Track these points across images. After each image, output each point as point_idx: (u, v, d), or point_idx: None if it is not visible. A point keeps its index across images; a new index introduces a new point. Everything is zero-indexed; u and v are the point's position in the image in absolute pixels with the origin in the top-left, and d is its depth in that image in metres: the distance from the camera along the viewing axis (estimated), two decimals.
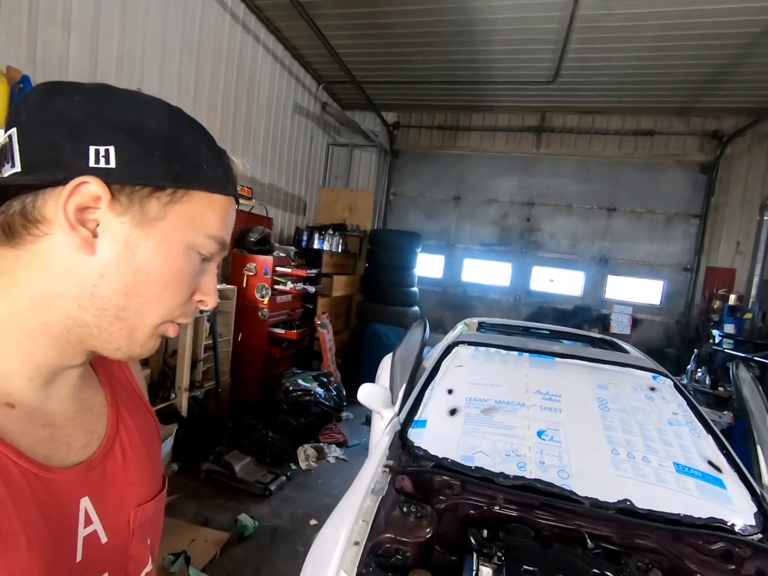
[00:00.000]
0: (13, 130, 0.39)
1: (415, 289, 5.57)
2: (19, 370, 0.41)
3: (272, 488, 2.77)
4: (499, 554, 1.26)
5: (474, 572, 1.21)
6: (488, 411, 1.94)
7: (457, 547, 1.37)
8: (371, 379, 2.69)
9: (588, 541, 1.38)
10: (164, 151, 0.42)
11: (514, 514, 1.48)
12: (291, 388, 3.47)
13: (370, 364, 3.58)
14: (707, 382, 3.90)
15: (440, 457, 1.71)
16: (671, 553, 1.38)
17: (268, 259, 3.79)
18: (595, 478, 1.59)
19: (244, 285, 3.80)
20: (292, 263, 4.09)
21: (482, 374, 2.17)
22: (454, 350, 2.37)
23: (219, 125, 3.73)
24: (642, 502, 1.50)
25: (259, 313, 3.81)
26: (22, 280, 0.40)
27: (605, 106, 5.13)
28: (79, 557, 0.43)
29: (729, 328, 4.45)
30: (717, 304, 4.76)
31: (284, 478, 2.93)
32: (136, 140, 0.40)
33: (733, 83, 4.21)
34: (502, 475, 1.61)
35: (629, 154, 5.21)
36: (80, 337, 0.42)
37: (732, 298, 4.50)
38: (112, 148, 0.39)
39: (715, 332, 4.14)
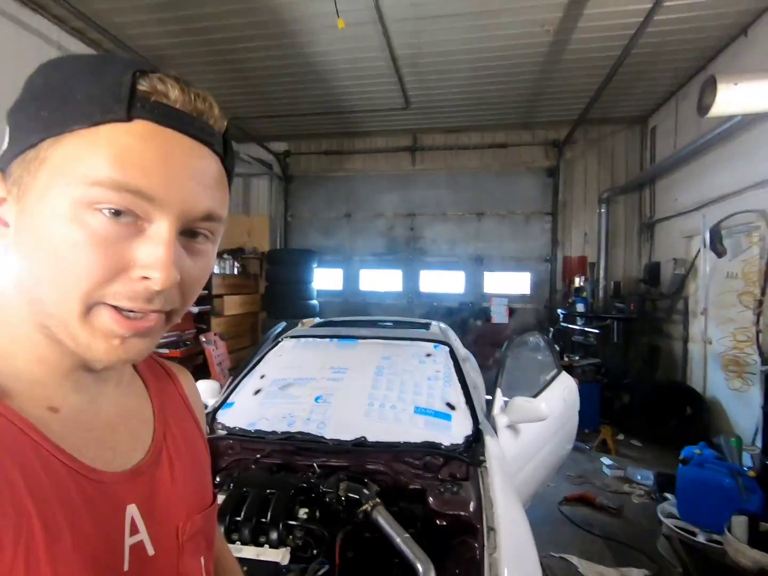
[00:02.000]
0: None
1: (314, 301, 5.98)
2: (45, 376, 0.39)
3: None
4: (230, 485, 1.62)
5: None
6: (285, 387, 2.34)
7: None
8: None
9: (315, 467, 1.78)
10: (36, 103, 0.36)
11: (279, 461, 1.87)
12: None
13: None
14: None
15: (231, 426, 2.08)
16: (393, 471, 1.79)
17: None
18: (345, 425, 2.00)
19: None
20: None
21: (293, 360, 2.58)
22: (280, 344, 2.77)
23: None
24: (375, 438, 1.92)
25: None
26: (5, 285, 0.39)
27: (465, 124, 5.84)
28: (126, 566, 0.40)
29: (580, 307, 5.14)
30: (574, 287, 5.48)
31: None
32: (18, 109, 0.37)
33: (551, 98, 4.99)
34: (272, 432, 2.00)
35: (488, 165, 5.94)
36: (53, 336, 0.37)
37: (577, 281, 5.21)
38: (7, 129, 0.37)
39: (559, 312, 4.79)
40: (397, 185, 6.20)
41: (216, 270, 5.15)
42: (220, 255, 5.43)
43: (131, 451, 0.45)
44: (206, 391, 2.61)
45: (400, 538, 1.29)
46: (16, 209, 0.36)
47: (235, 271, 5.46)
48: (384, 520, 1.36)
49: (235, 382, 2.51)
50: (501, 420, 2.17)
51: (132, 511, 0.41)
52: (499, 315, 5.84)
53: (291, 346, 2.75)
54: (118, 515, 0.40)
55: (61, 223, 0.34)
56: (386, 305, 6.22)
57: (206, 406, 2.61)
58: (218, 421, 2.18)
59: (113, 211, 0.34)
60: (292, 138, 6.40)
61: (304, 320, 3.27)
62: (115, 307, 0.36)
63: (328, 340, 2.74)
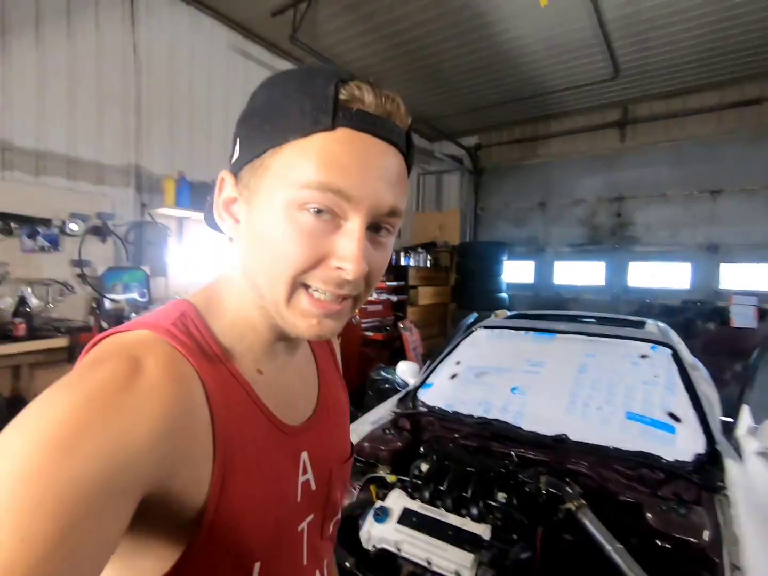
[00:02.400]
0: None
1: (503, 294, 5.87)
2: (257, 344, 0.49)
3: None
4: (433, 456, 1.79)
5: (417, 467, 1.76)
6: (480, 375, 2.41)
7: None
8: None
9: (513, 456, 1.81)
10: (260, 118, 0.43)
11: (475, 444, 1.97)
12: (374, 378, 4.25)
13: None
14: None
15: (431, 405, 2.26)
16: (599, 476, 1.70)
17: None
18: (544, 419, 1.96)
19: None
20: None
21: (487, 349, 2.63)
22: (473, 333, 2.86)
23: None
24: (577, 437, 1.82)
25: (352, 319, 4.74)
26: (232, 272, 0.49)
27: (695, 83, 4.80)
28: (298, 498, 0.51)
29: None
30: None
31: None
32: (246, 122, 0.45)
33: None
34: (469, 416, 2.09)
35: (731, 130, 4.73)
36: (266, 313, 0.47)
37: None
38: (238, 140, 0.45)
39: None
40: (601, 166, 5.54)
41: (411, 262, 5.58)
42: (414, 249, 5.85)
43: (303, 409, 0.55)
44: (407, 371, 2.88)
45: (612, 548, 1.20)
46: (246, 209, 0.44)
47: (428, 264, 5.80)
48: (592, 524, 1.28)
49: (433, 365, 2.69)
50: (749, 445, 1.76)
51: (304, 456, 0.52)
52: (742, 317, 4.64)
53: (485, 336, 2.79)
54: (296, 459, 0.51)
55: (279, 221, 0.41)
56: (585, 301, 5.65)
57: (407, 384, 2.90)
58: (419, 398, 2.39)
59: (317, 209, 0.41)
60: (483, 130, 6.39)
61: (497, 311, 3.26)
62: (310, 293, 0.43)
63: (523, 332, 2.68)
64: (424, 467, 1.75)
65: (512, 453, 1.82)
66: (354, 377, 4.80)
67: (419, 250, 5.78)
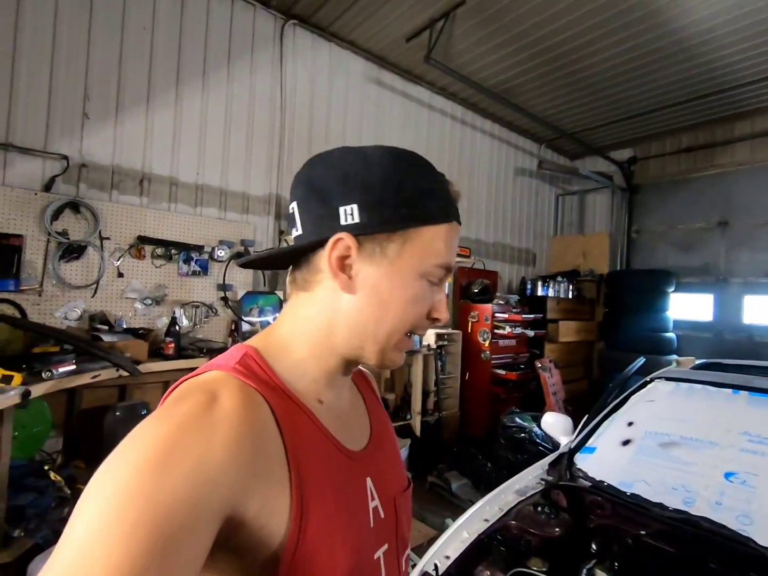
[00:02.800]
0: (294, 204, 0.53)
1: (670, 334, 4.80)
2: (323, 378, 0.53)
3: None
4: (614, 563, 1.31)
5: (587, 570, 1.31)
6: (667, 446, 1.81)
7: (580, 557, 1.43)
8: None
9: None
10: (393, 198, 0.49)
11: (671, 550, 1.42)
12: (507, 424, 3.71)
13: None
14: None
15: (597, 479, 1.74)
16: None
17: (487, 307, 4.29)
18: None
19: (469, 330, 4.39)
20: (512, 310, 4.44)
21: (674, 410, 2.00)
22: (649, 385, 2.23)
23: None
24: None
25: (482, 355, 4.29)
26: (315, 314, 0.53)
27: None
28: (371, 524, 0.52)
29: None
30: None
31: None
32: (370, 193, 0.49)
33: None
34: (660, 505, 1.54)
35: None
36: (353, 354, 0.53)
37: None
38: (355, 206, 0.49)
39: None
40: None
41: (550, 293, 4.93)
42: (553, 277, 5.19)
43: (360, 436, 0.58)
44: (556, 425, 2.35)
45: None
46: (376, 271, 0.51)
47: (570, 295, 5.08)
48: None
49: (593, 422, 2.14)
50: None
51: (369, 482, 0.54)
52: None
53: (668, 391, 2.14)
54: (363, 484, 0.54)
55: (411, 286, 0.51)
56: None
57: (550, 441, 2.36)
58: (577, 466, 1.87)
59: (435, 282, 0.54)
60: (639, 141, 5.50)
61: (679, 358, 2.54)
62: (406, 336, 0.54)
63: (730, 391, 1.97)
64: (599, 574, 1.27)
65: None
66: (482, 419, 4.30)
67: (559, 279, 5.10)
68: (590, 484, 1.74)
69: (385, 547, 0.54)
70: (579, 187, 6.04)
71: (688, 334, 4.95)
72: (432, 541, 2.76)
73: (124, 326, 2.66)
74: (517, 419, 3.78)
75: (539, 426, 3.82)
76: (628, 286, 5.00)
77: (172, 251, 2.87)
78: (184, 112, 2.97)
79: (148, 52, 2.82)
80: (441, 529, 2.82)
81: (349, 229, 0.49)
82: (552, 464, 1.95)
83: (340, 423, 0.54)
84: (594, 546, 1.38)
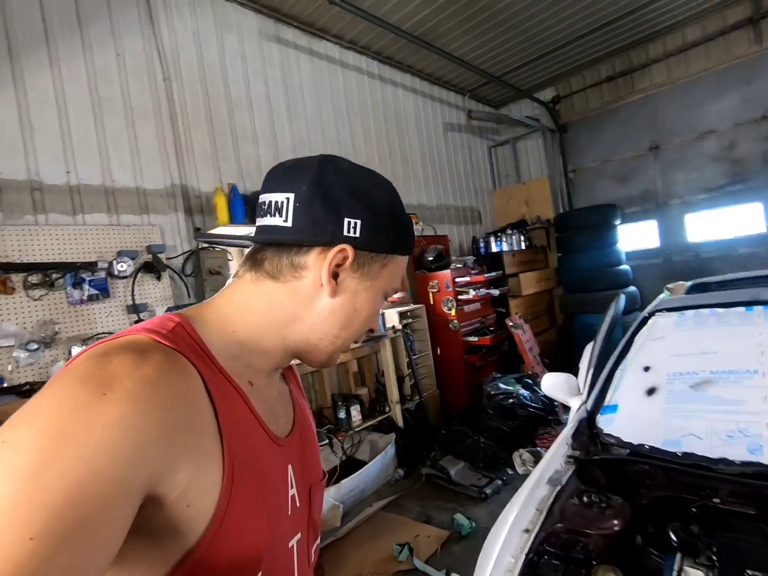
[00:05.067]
0: (292, 195, 0.51)
1: (625, 267, 4.79)
2: (259, 363, 0.54)
3: (488, 491, 2.78)
4: (711, 553, 1.00)
5: (676, 573, 1.00)
6: (700, 385, 1.55)
7: (664, 546, 1.13)
8: None
9: None
10: (389, 225, 0.54)
11: (751, 512, 1.14)
12: (492, 393, 3.45)
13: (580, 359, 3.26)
14: None
15: (635, 443, 1.46)
16: None
17: (446, 274, 3.97)
18: None
19: (431, 302, 4.06)
20: (472, 272, 4.16)
21: (691, 343, 1.75)
22: (650, 321, 1.99)
23: (379, 171, 4.21)
24: None
25: (450, 325, 3.98)
26: (279, 302, 0.53)
27: None
28: (289, 511, 0.53)
29: None
30: None
31: (500, 482, 2.90)
32: (375, 216, 0.52)
33: None
34: (723, 461, 1.27)
35: None
36: (300, 350, 0.55)
37: None
38: (359, 222, 0.51)
39: None
40: (732, 82, 4.30)
41: (504, 247, 4.71)
42: (503, 230, 4.98)
43: (285, 424, 0.58)
44: (561, 386, 2.05)
45: None
46: (357, 284, 0.54)
47: (522, 247, 4.90)
48: None
49: (602, 375, 1.87)
50: None
51: (290, 470, 0.54)
52: None
53: (673, 323, 1.91)
54: (285, 471, 0.54)
55: (374, 302, 0.57)
56: (737, 256, 4.39)
57: (566, 407, 2.09)
58: (605, 432, 1.58)
59: (386, 299, 0.60)
60: (559, 79, 5.38)
61: (670, 286, 2.34)
62: None
63: (742, 309, 1.76)
64: (692, 574, 0.99)
65: None
66: (461, 392, 4.02)
67: (509, 231, 4.89)
68: (628, 450, 1.45)
69: (299, 536, 0.54)
70: (508, 135, 5.85)
71: (639, 263, 4.97)
72: (446, 544, 2.44)
73: (5, 385, 2.00)
74: (501, 385, 3.53)
75: (525, 387, 3.60)
76: (577, 227, 4.90)
77: (53, 275, 2.21)
78: (29, 94, 2.26)
79: None
80: (452, 527, 2.49)
81: (349, 241, 0.51)
82: (575, 435, 1.65)
83: (267, 408, 0.54)
84: (673, 536, 1.07)
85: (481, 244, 4.85)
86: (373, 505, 2.77)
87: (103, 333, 2.34)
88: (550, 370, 4.17)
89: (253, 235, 0.54)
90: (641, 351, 1.84)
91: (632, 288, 4.71)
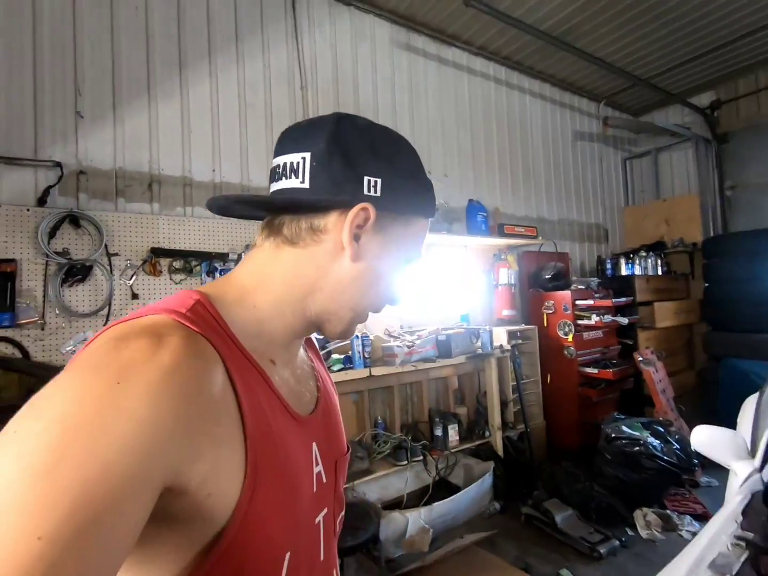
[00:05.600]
0: (308, 155, 0.48)
1: None
2: (281, 337, 0.51)
3: (602, 551, 2.39)
4: None
5: None
6: None
7: None
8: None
9: None
10: (411, 186, 0.51)
11: None
12: (613, 435, 2.99)
13: (729, 411, 2.68)
14: None
15: None
16: None
17: (565, 295, 3.60)
18: None
19: (545, 324, 3.70)
20: (596, 295, 3.71)
21: None
22: None
23: (498, 180, 4.01)
24: None
25: (565, 352, 3.59)
26: (299, 270, 0.50)
27: None
28: (315, 489, 0.51)
29: None
30: None
31: (617, 542, 2.48)
32: (395, 175, 0.50)
33: None
34: None
35: None
36: (320, 320, 0.52)
37: None
38: (380, 180, 0.48)
39: None
40: None
41: (637, 271, 4.14)
42: (636, 252, 4.39)
43: (308, 401, 0.56)
44: (721, 444, 1.66)
45: None
46: (378, 247, 0.51)
47: (659, 272, 4.26)
48: None
49: None
50: None
51: (315, 447, 0.53)
52: None
53: None
54: (309, 449, 0.52)
55: (397, 268, 0.54)
56: None
57: (707, 467, 1.68)
58: None
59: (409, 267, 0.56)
60: (721, 81, 4.62)
61: None
62: None
63: None
64: None
65: None
66: (572, 429, 3.58)
67: (642, 253, 4.29)
68: None
69: (325, 510, 0.53)
70: (650, 146, 5.19)
71: None
72: None
73: None
74: (624, 428, 3.05)
75: (654, 435, 3.07)
76: (731, 253, 4.12)
77: (193, 263, 2.44)
78: (191, 101, 2.54)
79: (143, 34, 2.42)
80: None
81: (371, 200, 0.48)
82: (746, 512, 1.29)
83: (291, 386, 0.52)
84: None
85: (608, 266, 4.33)
86: (464, 537, 2.56)
87: None
88: (687, 420, 3.54)
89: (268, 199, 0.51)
90: None
91: None
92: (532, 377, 3.60)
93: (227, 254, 2.53)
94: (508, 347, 3.31)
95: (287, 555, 0.44)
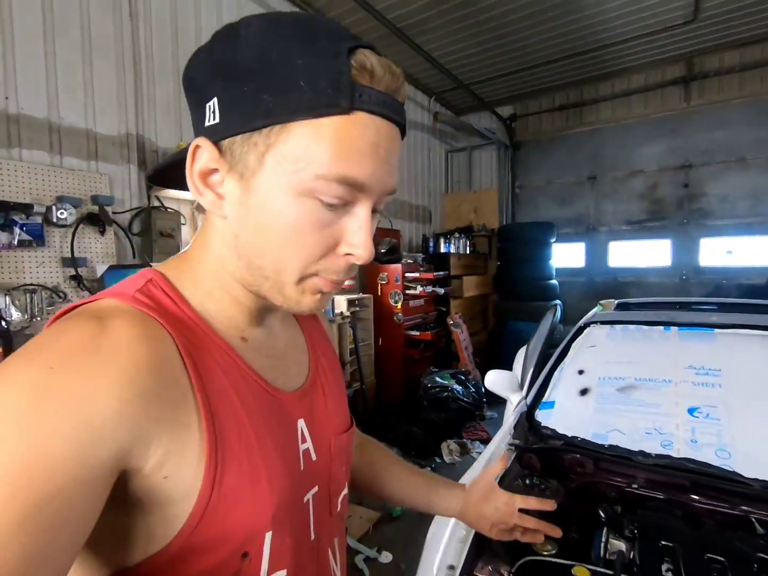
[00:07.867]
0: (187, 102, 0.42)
1: (553, 281, 5.23)
2: (238, 313, 0.46)
3: None
4: (632, 527, 1.18)
5: (603, 544, 1.16)
6: (625, 389, 1.78)
7: (588, 527, 1.30)
8: None
9: (757, 526, 1.18)
10: (255, 82, 0.36)
11: (660, 496, 1.35)
12: (429, 385, 3.62)
13: (510, 362, 3.53)
14: None
15: (569, 435, 1.63)
16: None
17: (397, 267, 4.07)
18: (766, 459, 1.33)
19: (379, 293, 4.14)
20: (421, 269, 4.30)
21: (618, 353, 1.99)
22: (585, 331, 2.22)
23: None
24: None
25: (395, 318, 4.10)
26: (200, 238, 0.46)
27: None
28: (302, 467, 0.48)
29: None
30: None
31: (429, 469, 3.07)
32: (230, 81, 0.36)
33: None
34: (641, 453, 1.47)
35: None
36: (259, 291, 0.44)
37: None
38: (215, 100, 0.37)
39: None
40: (662, 131, 4.87)
41: (452, 249, 4.92)
42: (452, 233, 5.20)
43: (296, 375, 0.52)
44: (502, 382, 2.24)
45: None
46: (240, 186, 0.39)
47: (467, 251, 5.16)
48: None
49: (542, 375, 2.07)
50: None
51: (301, 424, 0.49)
52: None
53: (604, 334, 2.15)
54: (293, 427, 0.48)
55: (288, 207, 0.38)
56: (647, 283, 5.01)
57: (506, 399, 2.27)
58: (543, 424, 1.76)
59: (331, 204, 0.38)
60: (519, 98, 5.70)
61: (603, 302, 2.62)
62: (320, 276, 0.42)
63: (662, 329, 2.04)
64: (616, 545, 1.17)
65: (753, 519, 1.20)
66: (397, 384, 4.16)
67: (457, 235, 5.12)
68: (563, 441, 1.64)
69: (315, 489, 0.50)
70: (466, 143, 6.10)
71: (565, 280, 5.46)
72: (378, 524, 2.54)
73: None
74: (438, 379, 3.71)
75: (458, 382, 3.82)
76: (517, 239, 5.26)
77: None
78: None
79: None
80: (383, 509, 2.60)
81: (208, 133, 0.38)
82: (516, 426, 1.81)
83: (270, 362, 0.48)
84: (602, 514, 1.24)
85: (431, 243, 5.03)
86: None
87: (32, 284, 2.11)
88: (481, 369, 4.48)
89: None
90: (577, 356, 2.06)
91: (557, 301, 5.17)
92: (366, 341, 4.01)
93: (31, 205, 2.09)
94: (348, 314, 3.61)
95: (268, 535, 0.42)
